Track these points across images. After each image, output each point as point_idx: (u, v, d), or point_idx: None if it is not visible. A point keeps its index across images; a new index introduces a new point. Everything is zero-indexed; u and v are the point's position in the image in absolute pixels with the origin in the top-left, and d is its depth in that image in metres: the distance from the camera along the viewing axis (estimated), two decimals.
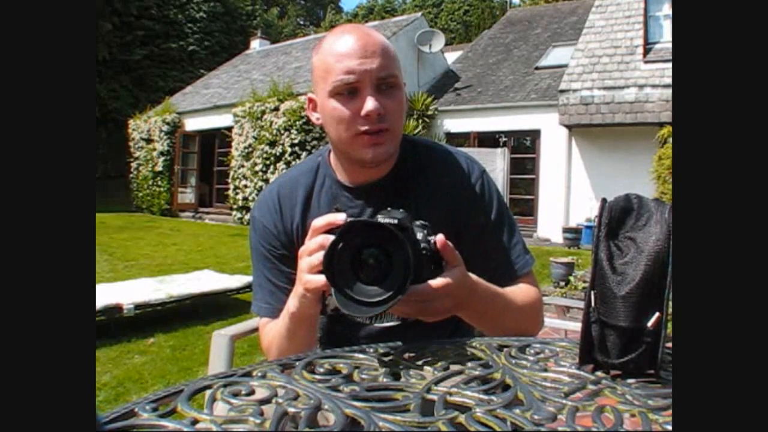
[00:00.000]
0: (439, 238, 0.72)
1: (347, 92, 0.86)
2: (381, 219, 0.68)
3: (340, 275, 0.64)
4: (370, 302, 0.64)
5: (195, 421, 0.47)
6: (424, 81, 11.58)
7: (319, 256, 0.67)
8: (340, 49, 0.86)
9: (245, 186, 10.95)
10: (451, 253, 0.73)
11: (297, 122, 9.90)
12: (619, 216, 0.64)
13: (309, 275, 0.71)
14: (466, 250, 0.78)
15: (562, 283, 5.11)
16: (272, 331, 0.91)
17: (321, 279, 0.68)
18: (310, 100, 0.95)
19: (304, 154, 9.67)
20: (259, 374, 0.58)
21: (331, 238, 0.66)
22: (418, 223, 0.73)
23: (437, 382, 0.56)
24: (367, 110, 0.84)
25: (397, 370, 0.60)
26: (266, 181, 10.34)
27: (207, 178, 13.64)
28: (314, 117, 0.95)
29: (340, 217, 0.70)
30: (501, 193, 1.01)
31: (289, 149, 10.04)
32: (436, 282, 0.70)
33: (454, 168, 0.97)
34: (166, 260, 6.65)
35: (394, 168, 0.96)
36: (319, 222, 0.72)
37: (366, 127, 0.86)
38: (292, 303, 0.80)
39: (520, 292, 0.92)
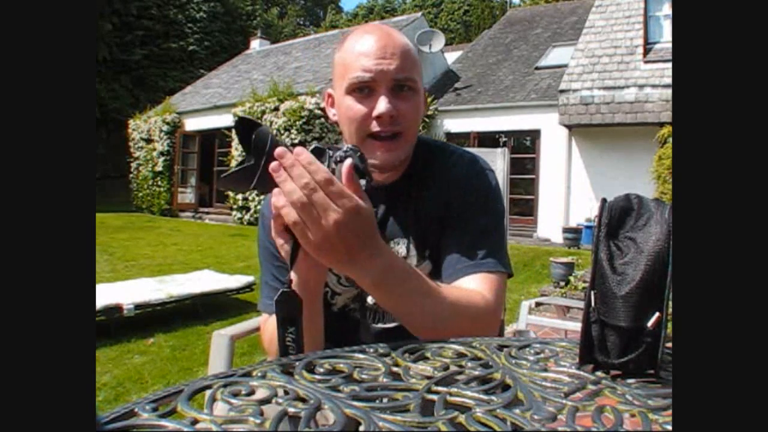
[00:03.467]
0: (346, 164, 0.65)
1: (362, 90, 0.86)
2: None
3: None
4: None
5: (195, 421, 0.47)
6: (424, 81, 11.35)
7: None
8: (360, 48, 0.87)
9: None
10: (355, 185, 0.65)
11: (297, 122, 9.89)
12: (619, 216, 0.63)
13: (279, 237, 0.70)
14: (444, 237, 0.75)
15: (562, 283, 5.11)
16: (273, 327, 0.90)
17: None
18: (329, 96, 0.95)
19: None
20: (259, 374, 0.58)
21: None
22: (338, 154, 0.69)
23: (437, 382, 0.56)
24: (380, 111, 0.84)
25: (398, 370, 0.60)
26: None
27: (207, 178, 13.65)
28: (331, 113, 0.95)
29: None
30: (499, 195, 0.97)
31: None
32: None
33: (458, 167, 0.96)
34: (166, 260, 6.65)
35: (404, 172, 0.95)
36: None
37: (378, 129, 0.85)
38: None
39: (457, 289, 0.83)
